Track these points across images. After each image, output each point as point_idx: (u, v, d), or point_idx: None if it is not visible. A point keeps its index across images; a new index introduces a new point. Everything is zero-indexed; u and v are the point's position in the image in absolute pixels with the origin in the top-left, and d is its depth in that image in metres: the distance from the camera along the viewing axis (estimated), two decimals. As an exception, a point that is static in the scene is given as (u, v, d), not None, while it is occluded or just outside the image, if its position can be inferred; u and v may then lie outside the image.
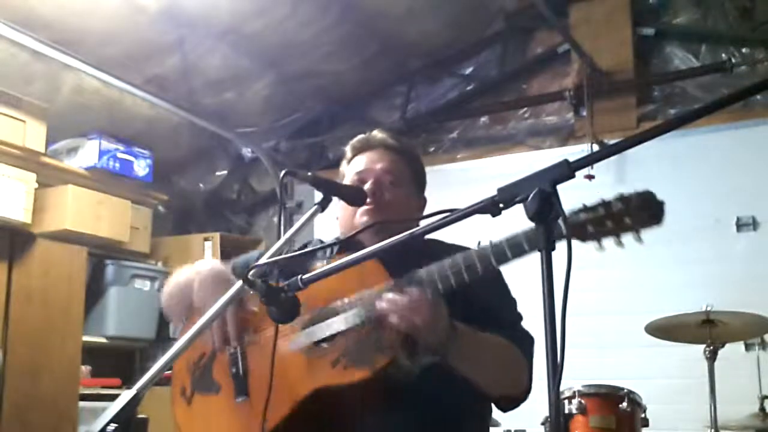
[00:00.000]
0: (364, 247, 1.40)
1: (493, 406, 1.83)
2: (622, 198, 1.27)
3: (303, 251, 1.74)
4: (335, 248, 1.83)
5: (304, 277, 1.33)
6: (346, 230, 1.85)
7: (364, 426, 1.58)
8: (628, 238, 1.27)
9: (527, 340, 1.70)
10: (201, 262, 1.80)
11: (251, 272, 1.34)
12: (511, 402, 1.72)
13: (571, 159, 1.07)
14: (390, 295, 1.50)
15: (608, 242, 1.29)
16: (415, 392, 1.54)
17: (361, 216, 1.78)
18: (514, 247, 1.43)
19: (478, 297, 1.60)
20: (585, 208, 1.30)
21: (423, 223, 1.28)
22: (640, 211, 1.26)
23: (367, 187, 1.79)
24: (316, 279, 1.34)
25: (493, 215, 1.12)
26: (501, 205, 1.11)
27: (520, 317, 1.77)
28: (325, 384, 1.54)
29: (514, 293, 1.82)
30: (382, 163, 1.83)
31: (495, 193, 1.11)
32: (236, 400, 1.65)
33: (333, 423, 1.58)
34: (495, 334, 1.62)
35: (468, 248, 1.64)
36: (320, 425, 1.58)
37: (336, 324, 1.58)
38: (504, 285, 1.79)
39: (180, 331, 1.88)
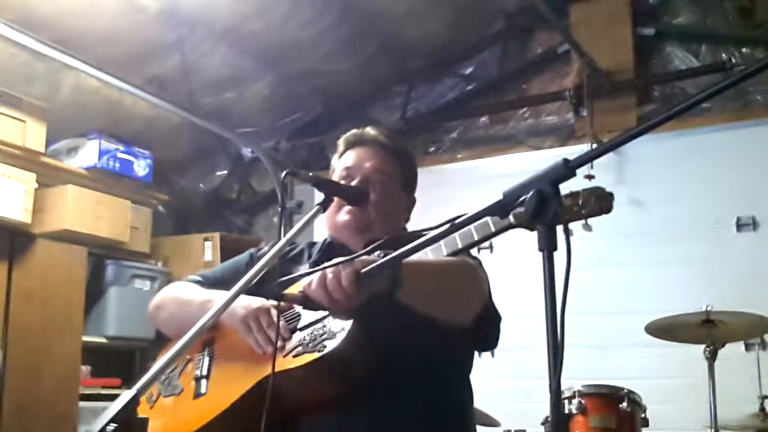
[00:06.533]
0: (349, 251, 1.46)
1: (474, 392, 1.81)
2: (570, 193, 1.40)
3: (315, 269, 1.73)
4: (315, 253, 1.85)
5: None
6: (329, 225, 1.85)
7: (322, 416, 1.58)
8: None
9: (474, 257, 1.70)
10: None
11: (277, 288, 1.39)
12: (487, 324, 1.65)
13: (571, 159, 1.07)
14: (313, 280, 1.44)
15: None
16: (380, 381, 1.54)
17: (344, 214, 1.78)
18: (480, 230, 1.46)
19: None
20: None
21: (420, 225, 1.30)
22: (588, 200, 1.39)
23: (353, 183, 1.79)
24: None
25: (501, 217, 1.12)
26: (508, 208, 1.11)
27: None
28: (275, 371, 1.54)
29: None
30: (372, 161, 1.82)
31: (501, 195, 1.12)
32: (194, 399, 1.69)
33: (288, 410, 1.58)
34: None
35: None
36: (275, 413, 1.56)
37: (296, 322, 1.63)
38: None
39: (171, 341, 1.89)
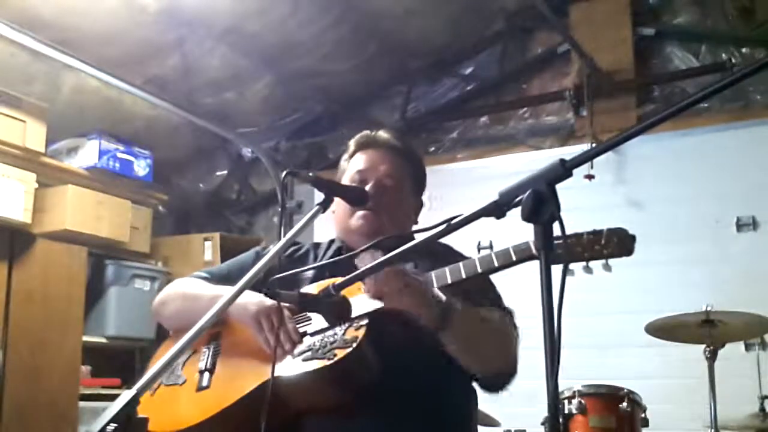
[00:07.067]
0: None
1: (478, 402, 1.84)
2: (592, 231, 1.44)
3: (316, 265, 1.77)
4: (321, 255, 1.87)
5: (336, 284, 1.40)
6: (340, 228, 1.87)
7: (326, 422, 1.59)
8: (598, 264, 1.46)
9: (512, 313, 1.73)
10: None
11: (274, 286, 1.41)
12: (501, 378, 1.70)
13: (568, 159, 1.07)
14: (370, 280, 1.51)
15: (577, 267, 1.46)
16: (386, 391, 1.55)
17: (357, 219, 1.80)
18: (500, 257, 1.49)
19: (463, 284, 1.62)
20: (556, 237, 1.44)
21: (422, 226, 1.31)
22: (610, 241, 1.43)
23: (367, 188, 1.80)
24: (347, 285, 1.40)
25: (498, 218, 1.13)
26: (504, 208, 1.11)
27: (501, 298, 1.78)
28: (279, 374, 1.55)
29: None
30: (385, 165, 1.84)
31: (497, 196, 1.12)
32: (196, 392, 1.69)
33: (292, 414, 1.59)
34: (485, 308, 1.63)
35: (459, 252, 1.73)
36: (279, 416, 1.58)
37: (307, 326, 1.64)
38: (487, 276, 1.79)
39: (170, 337, 1.89)
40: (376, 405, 1.56)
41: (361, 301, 1.57)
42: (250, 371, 1.61)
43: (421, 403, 1.62)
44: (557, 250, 1.40)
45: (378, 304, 1.54)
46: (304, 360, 1.56)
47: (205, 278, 1.88)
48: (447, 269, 1.58)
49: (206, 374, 1.70)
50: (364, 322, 1.54)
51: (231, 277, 1.76)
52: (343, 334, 1.55)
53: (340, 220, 1.85)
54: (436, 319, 1.50)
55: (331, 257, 1.84)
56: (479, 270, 1.55)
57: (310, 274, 1.77)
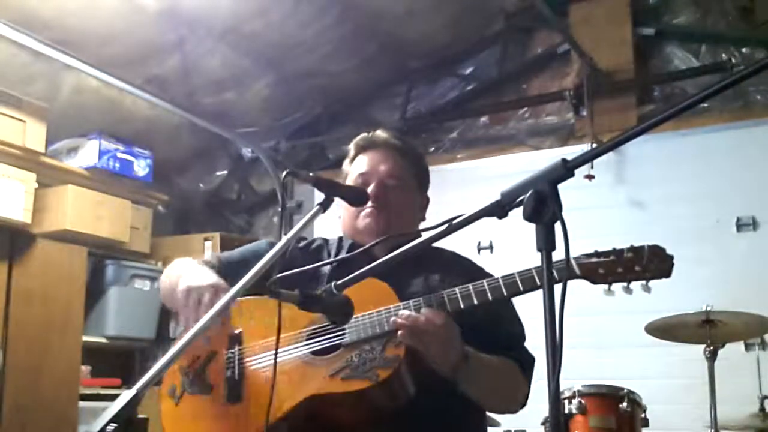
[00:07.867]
0: (371, 253, 1.49)
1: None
2: (632, 248, 1.42)
3: (326, 263, 1.76)
4: (334, 252, 1.86)
5: (337, 282, 1.37)
6: (348, 230, 1.87)
7: None
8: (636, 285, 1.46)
9: (529, 361, 1.74)
10: (198, 270, 1.75)
11: (273, 284, 1.38)
12: (507, 413, 1.79)
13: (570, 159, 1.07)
14: (407, 312, 1.53)
15: (618, 287, 1.48)
16: (413, 406, 1.56)
17: (364, 218, 1.80)
18: (526, 281, 1.50)
19: (486, 315, 1.62)
20: (597, 254, 1.46)
21: (425, 225, 1.31)
22: (650, 262, 1.41)
23: (370, 189, 1.80)
24: (349, 284, 1.37)
25: (500, 217, 1.13)
26: (506, 208, 1.11)
27: (524, 337, 1.79)
28: (321, 392, 1.55)
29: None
30: (386, 164, 1.84)
31: (498, 196, 1.12)
32: (227, 403, 1.65)
33: (328, 427, 1.59)
34: (501, 356, 1.66)
35: (466, 258, 1.75)
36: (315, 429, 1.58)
37: (341, 336, 1.61)
38: (511, 305, 1.80)
39: (180, 333, 1.88)
40: (411, 422, 1.56)
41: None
42: (285, 386, 1.57)
43: (450, 409, 1.64)
44: (599, 270, 1.43)
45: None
46: (344, 378, 1.54)
47: (208, 262, 1.88)
48: (486, 287, 1.56)
49: (236, 385, 1.66)
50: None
51: (246, 263, 1.70)
52: (382, 350, 1.54)
53: (347, 222, 1.85)
54: (448, 372, 1.53)
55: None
56: (505, 293, 1.55)
57: (327, 270, 1.75)
